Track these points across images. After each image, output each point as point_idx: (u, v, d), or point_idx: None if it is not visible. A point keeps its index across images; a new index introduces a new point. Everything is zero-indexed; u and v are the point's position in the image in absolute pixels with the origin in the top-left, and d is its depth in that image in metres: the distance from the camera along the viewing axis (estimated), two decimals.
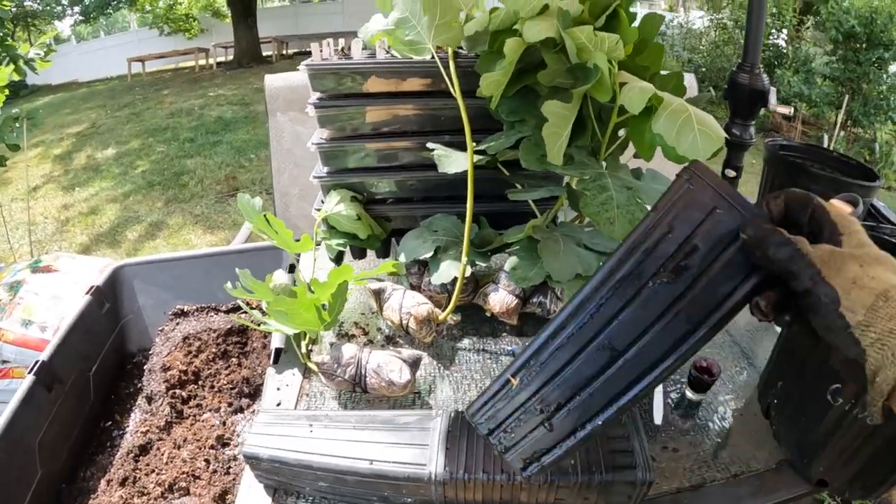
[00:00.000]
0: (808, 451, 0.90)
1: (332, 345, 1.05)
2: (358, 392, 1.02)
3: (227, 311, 1.49)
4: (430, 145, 1.06)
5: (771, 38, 9.54)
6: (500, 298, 1.14)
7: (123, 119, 8.84)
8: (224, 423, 1.22)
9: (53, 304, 2.02)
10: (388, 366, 0.98)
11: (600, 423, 0.63)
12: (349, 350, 1.01)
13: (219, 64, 14.21)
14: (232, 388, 1.30)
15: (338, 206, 1.18)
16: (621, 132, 1.07)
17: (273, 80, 2.10)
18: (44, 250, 4.24)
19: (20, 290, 2.07)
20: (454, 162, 1.01)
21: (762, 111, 1.38)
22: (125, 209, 5.08)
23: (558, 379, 0.64)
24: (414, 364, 1.01)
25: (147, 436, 1.19)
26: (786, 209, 0.56)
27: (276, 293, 1.07)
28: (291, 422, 0.88)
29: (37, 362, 1.17)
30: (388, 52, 1.13)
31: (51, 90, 13.12)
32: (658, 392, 1.07)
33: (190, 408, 1.27)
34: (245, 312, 1.46)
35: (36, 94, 12.68)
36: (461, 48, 1.12)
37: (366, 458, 0.80)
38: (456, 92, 1.02)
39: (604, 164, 1.06)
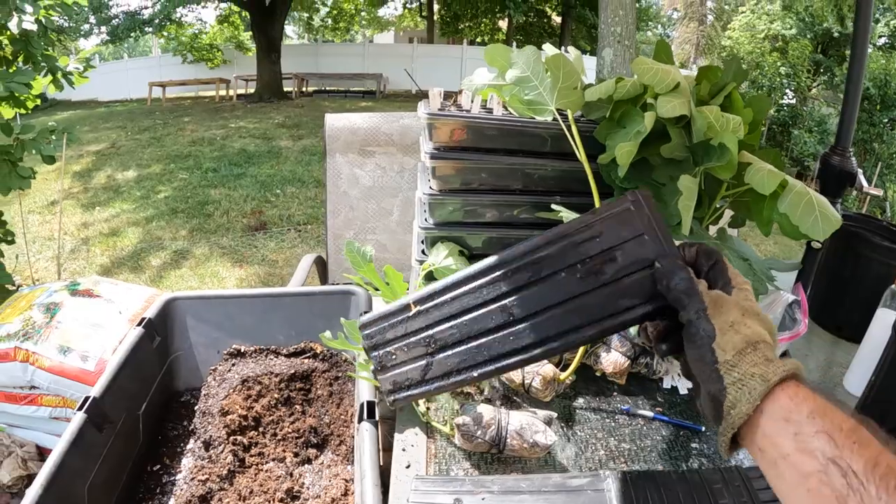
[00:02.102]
0: None
1: (462, 406, 1.02)
2: (493, 453, 0.99)
3: (289, 355, 1.42)
4: (555, 206, 1.04)
5: (785, 98, 9.77)
6: (612, 359, 1.15)
7: (144, 142, 8.92)
8: (291, 475, 1.16)
9: (94, 331, 1.91)
10: (531, 427, 0.96)
11: (475, 374, 0.68)
12: (488, 411, 0.98)
13: (239, 96, 14.43)
14: (298, 437, 1.24)
15: (446, 259, 1.15)
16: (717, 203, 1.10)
17: (334, 120, 2.09)
18: (63, 268, 4.19)
19: (57, 312, 1.95)
20: None
21: (854, 192, 1.44)
22: (147, 234, 5.05)
23: (454, 321, 0.69)
24: (549, 424, 1.00)
25: (207, 485, 1.11)
26: (696, 256, 0.65)
27: None
28: (457, 489, 0.86)
29: (87, 399, 1.09)
30: (505, 110, 1.12)
31: (69, 106, 13.28)
32: None
33: (252, 456, 1.19)
34: (310, 357, 1.41)
35: (55, 108, 12.83)
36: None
37: None
38: (581, 156, 1.01)
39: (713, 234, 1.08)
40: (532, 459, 1.00)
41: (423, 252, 1.27)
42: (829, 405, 0.52)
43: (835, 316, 1.44)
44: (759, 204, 0.98)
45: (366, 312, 1.30)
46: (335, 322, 1.39)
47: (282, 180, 6.73)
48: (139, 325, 1.33)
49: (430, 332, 0.70)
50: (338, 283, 2.19)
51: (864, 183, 1.39)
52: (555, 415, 1.01)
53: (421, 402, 1.09)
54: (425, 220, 1.23)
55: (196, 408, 1.32)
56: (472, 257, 1.23)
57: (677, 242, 0.64)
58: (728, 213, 1.14)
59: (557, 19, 21.00)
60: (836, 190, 1.42)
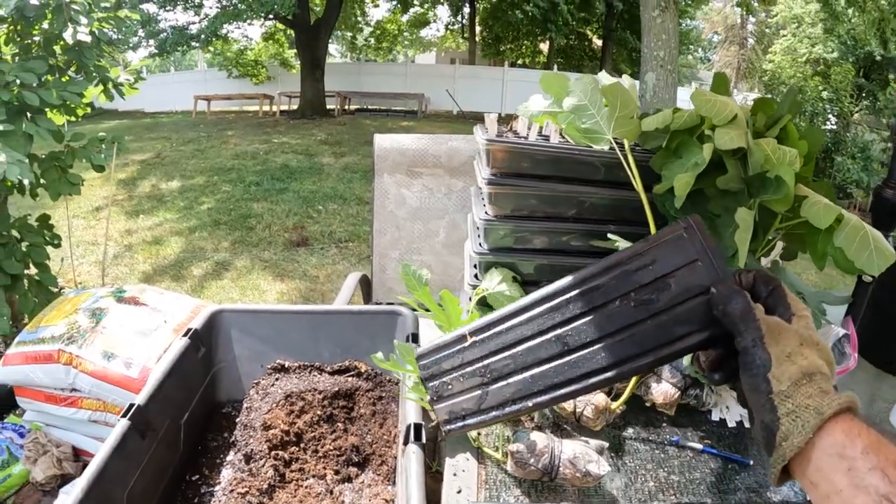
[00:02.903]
0: None
1: (514, 432, 1.02)
2: (544, 481, 0.99)
3: (333, 373, 1.42)
4: (611, 236, 1.04)
5: (828, 123, 9.62)
6: (663, 390, 1.14)
7: (188, 154, 9.09)
8: (331, 493, 1.16)
9: (139, 339, 1.91)
10: (584, 457, 0.96)
11: (530, 405, 0.68)
12: (541, 439, 0.98)
13: (282, 112, 14.62)
14: (339, 455, 1.24)
15: (500, 285, 1.16)
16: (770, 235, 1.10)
17: (382, 141, 2.11)
18: (106, 273, 4.28)
19: (103, 318, 1.96)
20: None
21: None
22: (189, 244, 5.13)
23: (509, 352, 0.69)
24: (601, 453, 0.99)
25: (246, 498, 1.12)
26: (753, 282, 0.64)
27: None
28: None
29: (132, 406, 1.09)
30: (562, 137, 1.13)
31: (116, 116, 13.60)
32: None
33: (292, 471, 1.20)
34: (354, 376, 1.41)
35: (102, 116, 13.13)
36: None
37: None
38: (638, 185, 1.01)
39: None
40: (582, 489, 1.00)
41: (475, 276, 1.28)
42: (884, 440, 0.52)
43: (883, 350, 1.42)
44: (814, 237, 0.97)
45: (414, 334, 1.32)
46: (381, 341, 1.41)
47: (323, 197, 6.80)
48: (185, 335, 1.34)
49: (486, 362, 0.70)
50: (382, 303, 2.21)
51: None
52: (606, 444, 1.01)
53: None
54: (479, 244, 1.24)
55: (237, 420, 1.32)
56: (525, 283, 1.24)
57: (733, 270, 0.64)
58: (779, 246, 1.13)
59: (598, 42, 21.01)
60: (888, 223, 1.42)
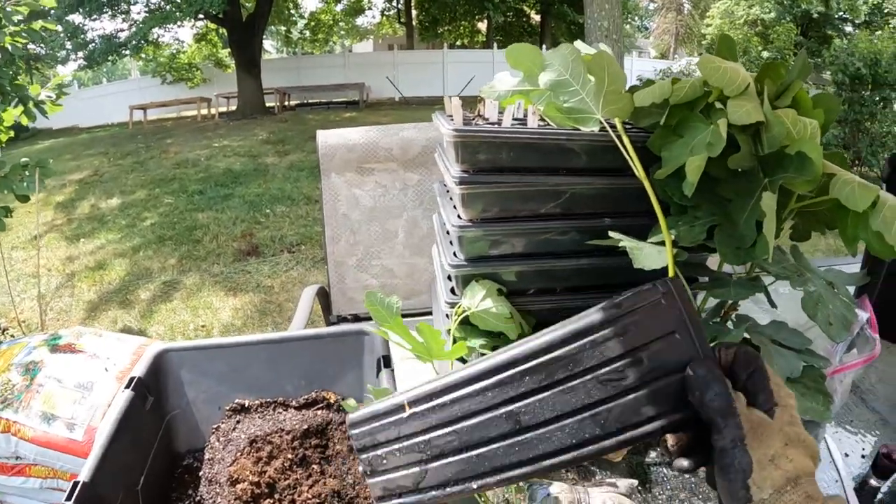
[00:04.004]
0: None
1: (529, 486, 0.91)
2: None
3: (300, 407, 1.29)
4: (614, 234, 0.89)
5: None
6: None
7: (127, 168, 8.83)
8: None
9: (80, 394, 1.76)
10: None
11: (475, 486, 0.62)
12: (565, 496, 0.87)
13: (221, 114, 14.47)
14: None
15: (484, 301, 1.00)
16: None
17: (327, 137, 1.94)
18: (49, 307, 4.03)
19: (38, 373, 1.81)
20: (648, 256, 0.85)
21: None
22: (135, 265, 4.91)
23: (454, 427, 0.62)
24: (630, 496, 0.91)
25: None
26: (733, 360, 0.58)
27: None
28: None
29: (76, 485, 0.93)
30: (542, 121, 0.97)
31: (51, 135, 13.27)
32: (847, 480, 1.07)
33: None
34: (324, 408, 1.28)
35: (36, 137, 12.81)
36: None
37: None
38: (639, 170, 0.85)
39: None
40: None
41: (452, 291, 1.12)
42: None
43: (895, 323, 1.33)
44: (845, 219, 0.85)
45: (385, 357, 1.20)
46: (349, 367, 1.31)
47: (271, 199, 6.62)
48: (128, 386, 1.17)
49: (426, 437, 0.63)
50: (345, 316, 2.06)
51: None
52: (635, 483, 0.91)
53: None
54: (454, 254, 1.07)
55: (201, 474, 1.18)
56: (511, 294, 1.09)
57: (713, 345, 0.58)
58: (788, 226, 1.01)
59: (537, 18, 21.10)
60: None
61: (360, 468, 0.69)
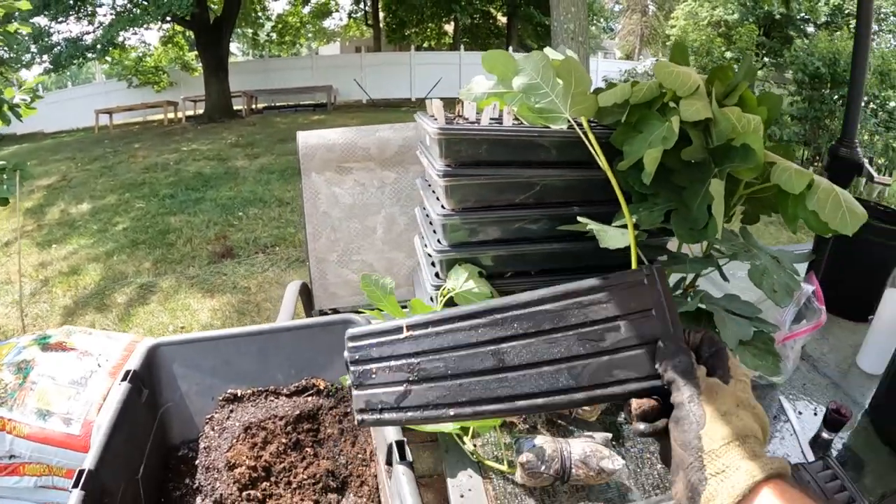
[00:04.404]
0: None
1: (516, 440, 1.00)
2: (557, 485, 0.98)
3: (291, 395, 1.34)
4: (581, 219, 1.00)
5: None
6: None
7: (95, 173, 8.71)
8: None
9: (75, 390, 1.77)
10: (595, 454, 0.96)
11: (451, 413, 0.66)
12: (548, 444, 0.96)
13: (188, 117, 14.26)
14: (315, 483, 1.17)
15: (467, 283, 1.10)
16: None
17: (307, 138, 2.01)
18: (25, 313, 4.02)
19: (30, 372, 1.81)
20: (613, 237, 0.96)
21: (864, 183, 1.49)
22: (109, 269, 4.87)
23: (443, 355, 0.68)
24: (608, 446, 0.99)
25: None
26: (700, 342, 0.64)
27: None
28: None
29: (81, 473, 0.97)
30: (516, 120, 1.07)
31: (15, 140, 12.96)
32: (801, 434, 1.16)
33: None
34: (314, 394, 1.33)
35: (0, 143, 12.47)
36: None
37: None
38: (603, 163, 0.96)
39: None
40: (595, 486, 0.99)
41: (437, 276, 1.21)
42: None
43: (839, 297, 1.46)
44: (785, 202, 0.97)
45: None
46: (336, 355, 1.36)
47: (243, 202, 6.60)
48: (124, 379, 1.21)
49: (416, 360, 0.69)
50: (327, 311, 2.12)
51: (874, 173, 1.42)
52: (610, 436, 1.01)
53: (467, 439, 1.06)
54: (438, 241, 1.17)
55: (197, 462, 1.23)
56: (491, 276, 1.19)
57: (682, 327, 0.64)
58: (738, 210, 1.12)
59: (503, 19, 21.19)
60: (844, 180, 1.46)
61: (349, 381, 0.74)
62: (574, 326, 0.63)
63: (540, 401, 0.63)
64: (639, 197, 1.04)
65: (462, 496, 0.97)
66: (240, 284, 4.45)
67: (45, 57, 12.61)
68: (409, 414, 0.69)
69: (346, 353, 0.75)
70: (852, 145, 1.44)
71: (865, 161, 1.43)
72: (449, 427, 1.02)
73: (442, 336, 0.68)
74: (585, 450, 0.95)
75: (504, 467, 0.99)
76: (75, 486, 0.94)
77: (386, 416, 0.71)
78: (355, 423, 0.74)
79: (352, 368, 0.74)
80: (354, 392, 0.73)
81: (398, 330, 0.71)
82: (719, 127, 0.92)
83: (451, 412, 0.66)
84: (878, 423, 1.12)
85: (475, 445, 1.05)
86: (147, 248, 5.35)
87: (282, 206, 6.46)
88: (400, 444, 1.00)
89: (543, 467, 0.93)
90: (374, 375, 0.72)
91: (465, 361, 0.66)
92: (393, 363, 0.70)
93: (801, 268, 1.47)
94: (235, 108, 14.46)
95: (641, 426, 0.62)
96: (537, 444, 0.96)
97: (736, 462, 0.54)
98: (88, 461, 0.99)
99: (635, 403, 0.63)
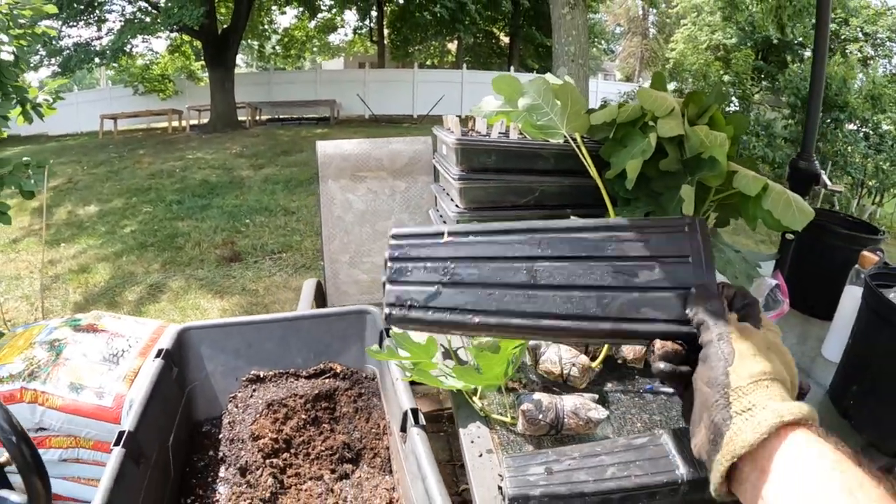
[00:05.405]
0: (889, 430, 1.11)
1: (518, 397, 1.10)
2: (551, 434, 1.07)
3: (309, 377, 1.45)
4: (573, 219, 1.16)
5: (732, 105, 10.19)
6: (632, 347, 1.26)
7: (101, 177, 8.77)
8: (332, 491, 1.20)
9: (106, 366, 1.83)
10: (584, 407, 1.05)
11: (476, 321, 0.67)
12: (545, 397, 1.07)
13: (192, 126, 14.20)
14: (332, 455, 1.28)
15: None
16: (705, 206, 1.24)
17: (325, 147, 2.17)
18: (34, 307, 4.12)
19: (63, 349, 1.85)
20: None
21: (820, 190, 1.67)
22: (118, 269, 4.97)
23: (478, 263, 0.69)
24: (596, 402, 1.10)
25: None
26: (733, 296, 0.64)
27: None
28: (545, 460, 0.91)
29: (122, 433, 1.04)
30: (521, 134, 1.25)
31: (19, 141, 12.86)
32: None
33: (289, 477, 1.23)
34: (331, 377, 1.44)
35: (5, 144, 12.41)
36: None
37: (627, 475, 0.85)
38: (593, 172, 1.13)
39: None
40: (585, 436, 1.09)
41: None
42: (845, 458, 0.47)
43: (807, 297, 1.58)
44: (745, 204, 1.10)
45: (386, 329, 1.37)
46: (352, 341, 1.48)
47: (249, 210, 6.70)
48: (158, 356, 1.32)
49: (452, 264, 0.70)
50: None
51: (828, 181, 1.58)
52: (596, 396, 1.11)
53: (475, 398, 1.16)
54: None
55: (220, 436, 1.33)
56: None
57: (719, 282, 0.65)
58: (713, 215, 1.27)
59: (506, 39, 21.36)
60: (803, 189, 1.64)
61: (384, 277, 0.75)
62: (609, 259, 0.64)
63: (565, 323, 0.64)
64: (623, 201, 1.21)
65: (472, 442, 1.09)
66: (248, 287, 4.53)
67: (53, 60, 12.60)
68: (436, 315, 0.69)
69: (388, 250, 0.75)
70: (810, 158, 1.63)
71: (822, 172, 1.61)
72: (460, 385, 1.12)
73: (480, 245, 0.70)
74: (576, 403, 1.06)
75: (507, 419, 1.10)
76: (116, 444, 1.03)
77: (413, 314, 0.70)
78: (383, 315, 0.73)
79: (389, 264, 0.74)
80: (388, 287, 0.73)
81: (440, 234, 0.72)
82: (691, 142, 1.07)
83: (476, 319, 0.66)
84: (835, 400, 1.23)
85: (483, 404, 1.16)
86: (155, 249, 5.44)
87: (287, 214, 6.54)
88: (414, 411, 1.11)
89: (541, 416, 1.04)
90: (409, 273, 0.72)
91: (498, 273, 0.67)
92: (429, 264, 0.71)
93: (768, 269, 1.60)
94: (240, 119, 14.49)
95: (662, 364, 0.61)
96: (535, 398, 1.07)
97: (763, 401, 0.51)
98: (128, 423, 1.09)
99: (659, 343, 0.62)
